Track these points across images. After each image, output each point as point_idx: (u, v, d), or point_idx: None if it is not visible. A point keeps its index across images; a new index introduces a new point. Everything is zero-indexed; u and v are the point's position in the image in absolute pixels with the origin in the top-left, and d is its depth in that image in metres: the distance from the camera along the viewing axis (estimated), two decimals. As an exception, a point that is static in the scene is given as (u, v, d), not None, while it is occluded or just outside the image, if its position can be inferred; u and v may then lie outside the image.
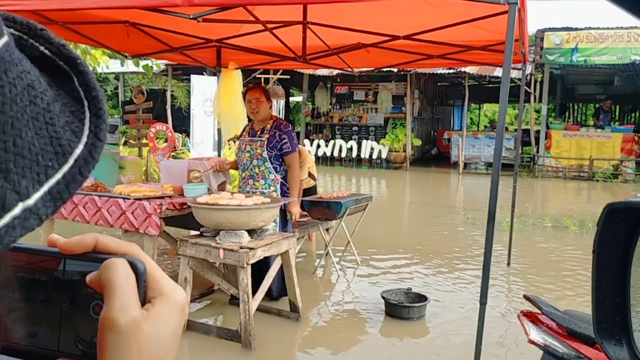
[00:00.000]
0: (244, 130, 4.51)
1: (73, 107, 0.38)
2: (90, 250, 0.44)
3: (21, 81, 0.33)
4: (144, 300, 0.42)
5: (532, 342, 2.15)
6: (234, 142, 8.83)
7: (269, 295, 4.10)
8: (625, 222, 0.64)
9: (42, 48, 0.37)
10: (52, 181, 0.35)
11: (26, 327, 0.43)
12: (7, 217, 0.32)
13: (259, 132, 4.29)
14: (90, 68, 0.39)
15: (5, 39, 0.33)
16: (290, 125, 4.35)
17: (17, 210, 0.33)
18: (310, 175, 5.66)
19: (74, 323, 0.43)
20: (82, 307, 0.43)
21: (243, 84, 5.73)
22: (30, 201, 0.33)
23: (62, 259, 0.44)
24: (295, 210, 4.29)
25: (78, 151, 0.37)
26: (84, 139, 0.37)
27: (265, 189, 4.22)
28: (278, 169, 4.26)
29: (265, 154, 4.21)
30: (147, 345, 0.40)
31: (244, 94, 4.39)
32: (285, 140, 4.21)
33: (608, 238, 0.66)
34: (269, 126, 4.27)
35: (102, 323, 0.40)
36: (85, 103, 0.38)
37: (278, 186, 4.26)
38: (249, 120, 4.60)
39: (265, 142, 4.21)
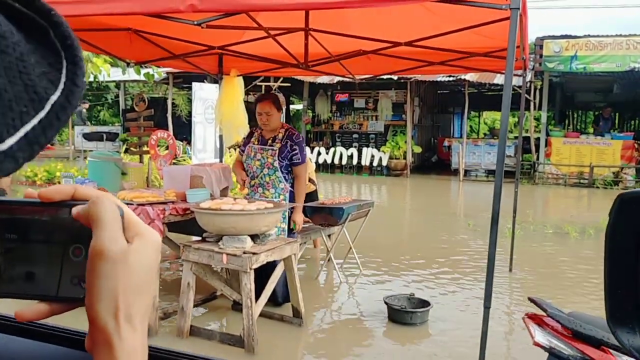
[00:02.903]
0: (250, 136, 4.47)
1: (50, 59, 0.39)
2: (69, 198, 0.46)
3: None
4: None
5: (537, 344, 2.15)
6: (235, 149, 8.84)
7: (273, 301, 4.10)
8: (636, 212, 0.66)
9: (17, 5, 0.38)
10: (28, 126, 0.35)
11: (24, 269, 0.45)
12: None
13: (269, 141, 4.27)
14: (64, 20, 0.40)
15: None
16: (301, 136, 4.35)
17: None
18: (310, 180, 5.68)
19: (77, 264, 0.45)
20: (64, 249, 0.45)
21: (245, 91, 5.75)
22: (4, 146, 0.34)
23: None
24: (299, 220, 4.30)
25: (54, 97, 0.37)
26: (61, 86, 0.38)
27: (275, 198, 4.22)
28: (287, 178, 4.27)
29: (276, 164, 4.20)
30: (132, 274, 0.43)
31: (254, 104, 4.36)
32: (296, 151, 4.22)
33: (620, 227, 0.67)
34: (280, 135, 4.26)
35: (92, 253, 0.43)
36: (62, 53, 0.39)
37: (287, 195, 4.27)
38: (251, 126, 4.60)
39: (277, 152, 4.21)
